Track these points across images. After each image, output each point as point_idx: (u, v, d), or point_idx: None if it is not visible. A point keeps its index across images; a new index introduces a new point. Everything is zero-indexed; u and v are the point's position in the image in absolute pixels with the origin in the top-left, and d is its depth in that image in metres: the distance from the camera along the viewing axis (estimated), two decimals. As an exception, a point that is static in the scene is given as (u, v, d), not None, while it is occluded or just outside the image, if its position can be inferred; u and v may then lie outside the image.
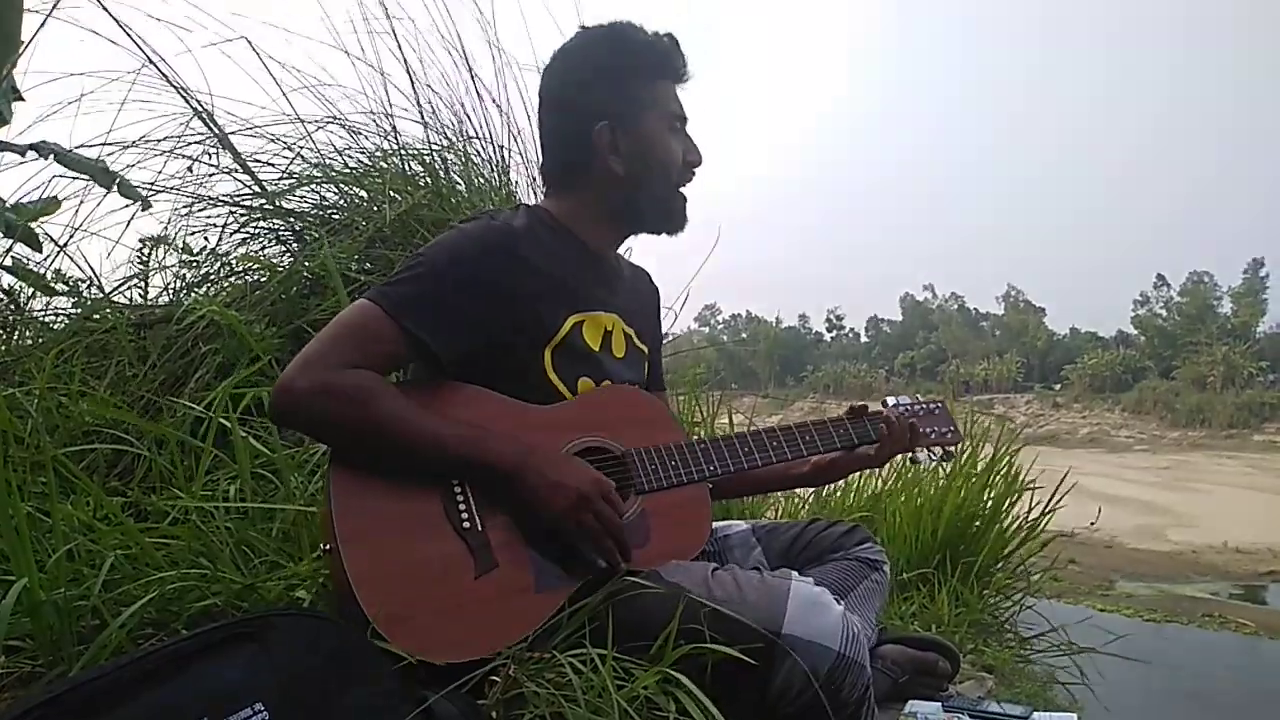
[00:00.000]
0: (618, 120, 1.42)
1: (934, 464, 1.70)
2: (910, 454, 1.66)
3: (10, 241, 2.02)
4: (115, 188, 1.78)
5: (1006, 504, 3.17)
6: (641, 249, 1.70)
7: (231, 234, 2.63)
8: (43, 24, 1.83)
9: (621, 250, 1.62)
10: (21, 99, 1.83)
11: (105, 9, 2.18)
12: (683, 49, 1.48)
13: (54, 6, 1.84)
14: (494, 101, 2.74)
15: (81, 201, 2.34)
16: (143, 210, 2.16)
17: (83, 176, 2.15)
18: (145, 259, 2.49)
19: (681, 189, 1.50)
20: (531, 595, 1.23)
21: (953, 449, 1.70)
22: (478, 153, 2.80)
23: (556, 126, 1.50)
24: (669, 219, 1.51)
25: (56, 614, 1.21)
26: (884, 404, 1.67)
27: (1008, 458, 3.31)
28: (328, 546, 1.20)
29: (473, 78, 2.76)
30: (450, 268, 1.31)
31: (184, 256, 2.51)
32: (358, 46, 2.70)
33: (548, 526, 1.24)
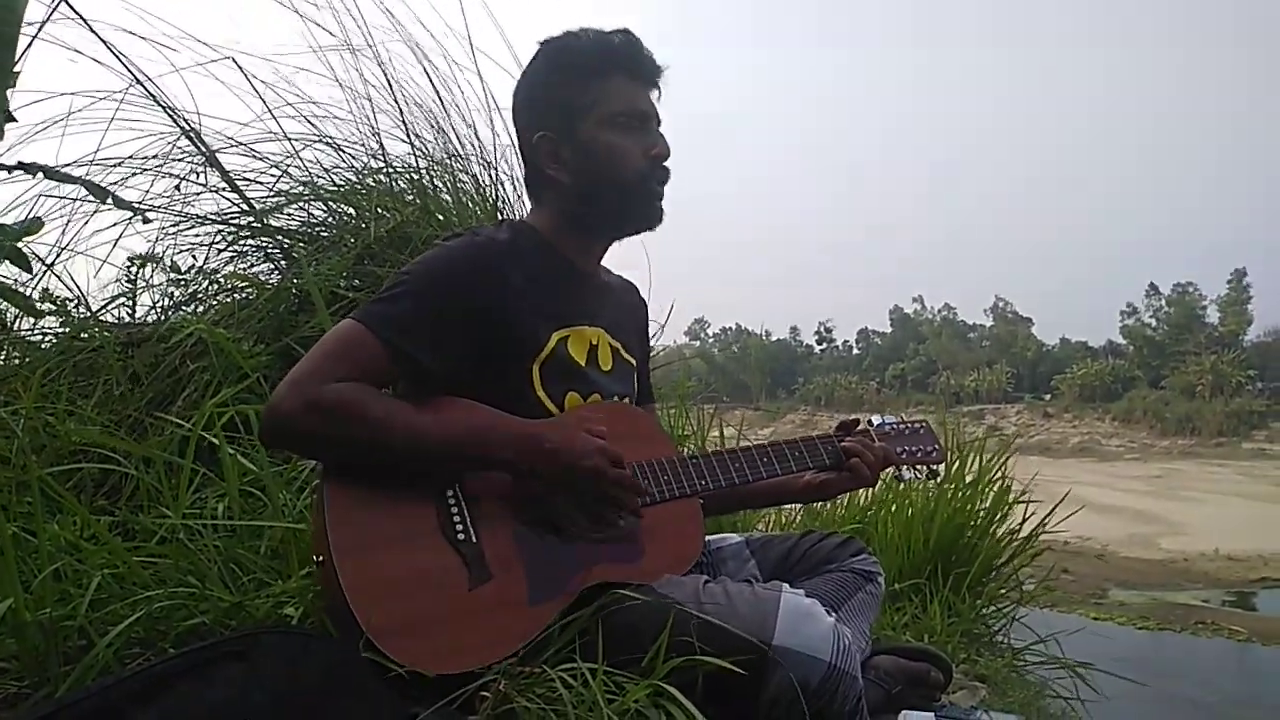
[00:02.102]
0: (556, 130, 1.43)
1: (920, 480, 1.73)
2: (896, 471, 1.68)
3: (-4, 261, 2.02)
4: (110, 201, 1.77)
5: (998, 514, 3.18)
6: (628, 262, 1.70)
7: (219, 252, 2.63)
8: (29, 44, 1.83)
9: (609, 259, 1.62)
10: (13, 119, 1.82)
11: (92, 30, 2.18)
12: (639, 45, 1.45)
13: (40, 27, 1.84)
14: (491, 101, 2.75)
15: (68, 221, 2.34)
16: (142, 224, 2.16)
17: (71, 196, 2.15)
18: (133, 278, 2.48)
19: (652, 183, 1.45)
20: (525, 608, 1.23)
21: (937, 467, 1.73)
22: (464, 169, 2.81)
23: (519, 144, 1.52)
24: (634, 217, 1.48)
25: (42, 634, 1.21)
26: (869, 423, 1.70)
27: (999, 468, 3.32)
28: (320, 559, 1.19)
29: (472, 96, 2.78)
30: (435, 284, 1.32)
31: (172, 275, 2.51)
32: (342, 65, 2.72)
33: (563, 496, 1.29)
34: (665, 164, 1.46)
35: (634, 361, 1.59)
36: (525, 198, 1.58)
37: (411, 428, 1.23)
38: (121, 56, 2.30)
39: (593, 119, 1.42)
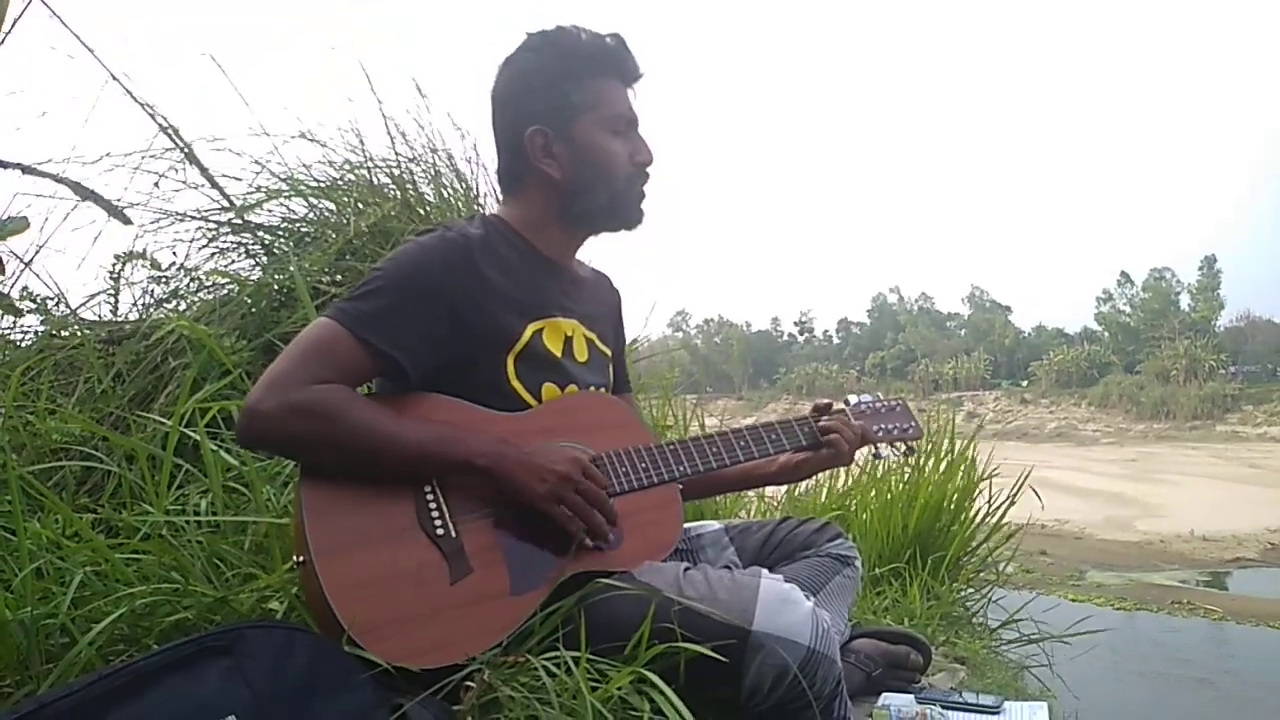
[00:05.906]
0: (551, 124, 1.42)
1: (898, 458, 1.74)
2: (874, 449, 1.69)
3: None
4: (92, 200, 1.75)
5: (972, 498, 3.23)
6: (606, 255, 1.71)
7: (200, 248, 2.62)
8: (0, 42, 1.81)
9: (586, 253, 1.62)
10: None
11: (67, 26, 2.16)
12: (629, 49, 1.46)
13: (13, 24, 1.82)
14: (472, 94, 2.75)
15: (46, 218, 2.32)
16: (122, 225, 2.14)
17: (50, 194, 2.13)
18: (117, 275, 2.46)
19: (637, 188, 1.48)
20: (507, 599, 1.23)
21: (914, 444, 1.73)
22: (445, 163, 2.81)
23: (499, 132, 1.49)
24: (619, 218, 1.50)
25: (24, 633, 1.21)
26: (846, 402, 1.71)
27: (974, 453, 3.37)
28: (300, 559, 1.20)
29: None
30: (408, 281, 1.32)
31: (153, 272, 2.49)
32: (322, 62, 2.72)
33: (535, 511, 1.26)
34: (648, 169, 1.49)
35: (609, 352, 1.59)
36: (499, 190, 1.56)
37: (391, 433, 1.23)
38: (95, 54, 2.28)
39: (588, 119, 1.43)
